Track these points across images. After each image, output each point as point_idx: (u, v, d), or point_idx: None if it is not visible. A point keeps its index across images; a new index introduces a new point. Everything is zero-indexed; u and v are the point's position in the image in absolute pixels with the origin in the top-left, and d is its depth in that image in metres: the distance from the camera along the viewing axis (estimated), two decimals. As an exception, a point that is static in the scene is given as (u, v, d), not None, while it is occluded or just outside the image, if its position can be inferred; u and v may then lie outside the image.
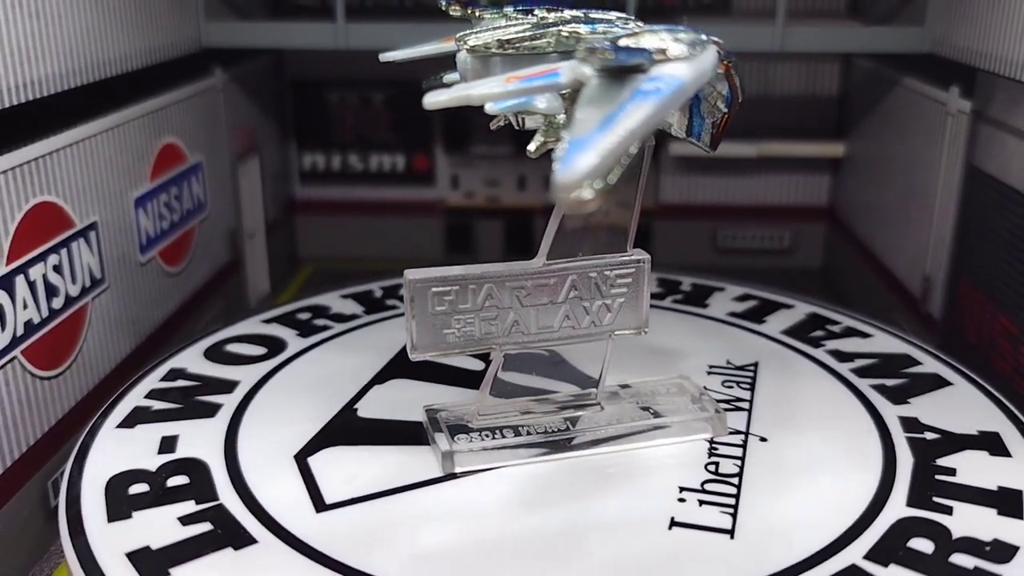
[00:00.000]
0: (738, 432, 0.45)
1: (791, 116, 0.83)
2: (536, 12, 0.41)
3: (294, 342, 0.54)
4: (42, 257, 0.47)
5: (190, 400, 0.48)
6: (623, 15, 0.39)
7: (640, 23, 0.38)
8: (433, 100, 0.32)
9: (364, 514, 0.40)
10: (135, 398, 0.48)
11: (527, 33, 0.38)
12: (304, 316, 0.58)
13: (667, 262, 0.83)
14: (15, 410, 0.45)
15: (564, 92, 0.35)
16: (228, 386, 0.50)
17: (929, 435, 0.44)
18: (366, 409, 0.48)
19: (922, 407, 0.47)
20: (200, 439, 0.45)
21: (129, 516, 0.39)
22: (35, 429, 0.46)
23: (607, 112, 0.29)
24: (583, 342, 0.44)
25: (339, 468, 0.43)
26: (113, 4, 0.54)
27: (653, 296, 0.58)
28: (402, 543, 0.38)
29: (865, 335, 0.55)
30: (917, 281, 0.65)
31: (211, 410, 0.47)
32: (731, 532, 0.38)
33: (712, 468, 0.42)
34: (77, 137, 0.50)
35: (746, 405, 0.48)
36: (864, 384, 0.49)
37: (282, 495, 0.41)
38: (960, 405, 0.47)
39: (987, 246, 0.55)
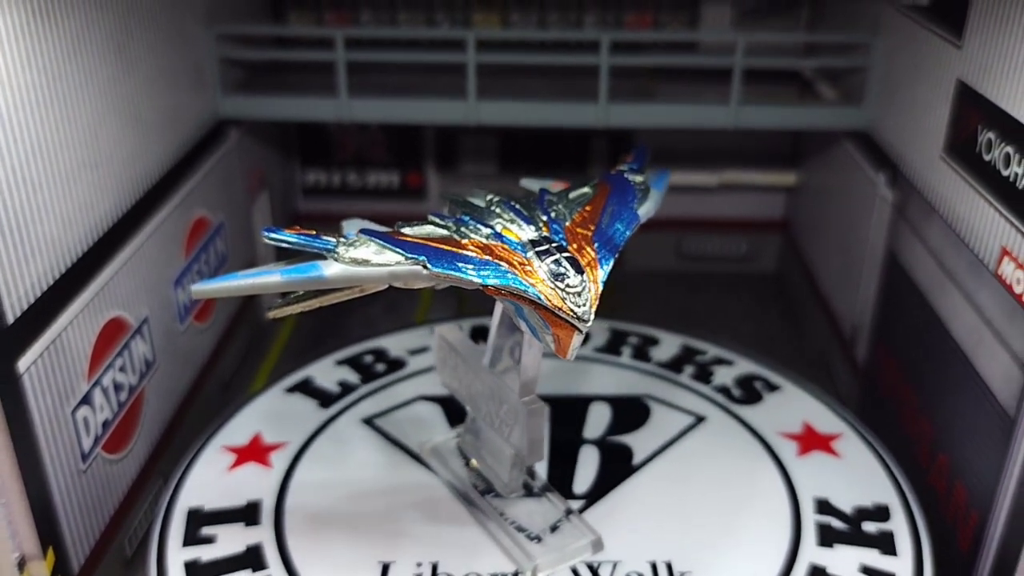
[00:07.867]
0: None
1: (751, 141, 0.91)
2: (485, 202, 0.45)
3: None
4: (111, 365, 0.56)
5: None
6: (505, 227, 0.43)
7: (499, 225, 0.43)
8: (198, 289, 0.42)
9: (352, 437, 0.59)
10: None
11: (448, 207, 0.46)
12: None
13: (636, 270, 0.93)
14: (99, 494, 0.55)
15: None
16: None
17: None
18: None
19: None
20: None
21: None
22: (114, 501, 0.57)
23: (269, 268, 0.41)
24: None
25: (405, 415, 0.61)
26: (150, 121, 0.61)
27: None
28: (326, 472, 0.55)
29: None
30: (848, 323, 0.75)
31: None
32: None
33: None
34: (130, 252, 0.58)
35: None
36: None
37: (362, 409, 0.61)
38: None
39: (900, 326, 0.65)
